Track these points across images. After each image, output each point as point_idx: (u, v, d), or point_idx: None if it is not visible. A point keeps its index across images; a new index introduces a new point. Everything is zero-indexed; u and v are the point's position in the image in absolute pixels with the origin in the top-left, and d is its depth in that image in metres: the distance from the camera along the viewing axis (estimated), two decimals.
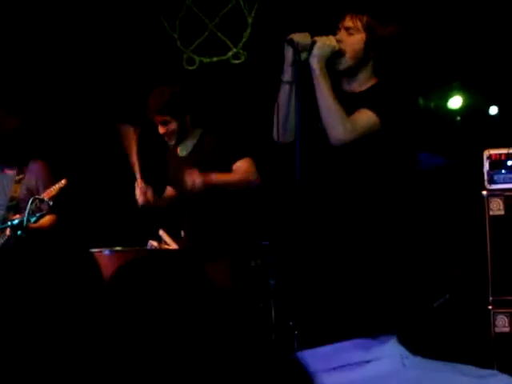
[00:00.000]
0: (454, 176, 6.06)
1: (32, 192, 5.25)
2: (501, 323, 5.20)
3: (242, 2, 6.81)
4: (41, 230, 5.09)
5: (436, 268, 5.44)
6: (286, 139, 3.95)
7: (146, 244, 5.54)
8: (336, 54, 3.87)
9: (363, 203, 3.82)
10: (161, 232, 5.43)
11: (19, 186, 5.37)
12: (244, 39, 6.81)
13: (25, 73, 6.75)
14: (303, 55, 3.85)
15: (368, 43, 3.87)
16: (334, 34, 3.91)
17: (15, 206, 5.30)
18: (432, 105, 6.39)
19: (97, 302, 1.82)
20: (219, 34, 6.88)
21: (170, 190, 5.34)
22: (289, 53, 3.86)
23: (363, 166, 3.85)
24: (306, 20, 5.70)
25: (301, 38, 3.84)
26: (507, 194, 5.28)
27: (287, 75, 3.89)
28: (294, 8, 6.39)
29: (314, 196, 3.91)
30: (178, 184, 5.11)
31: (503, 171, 5.33)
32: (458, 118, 6.40)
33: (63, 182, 5.11)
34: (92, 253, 2.08)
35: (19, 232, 4.90)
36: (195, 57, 6.92)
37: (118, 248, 5.30)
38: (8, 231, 5.01)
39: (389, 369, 1.52)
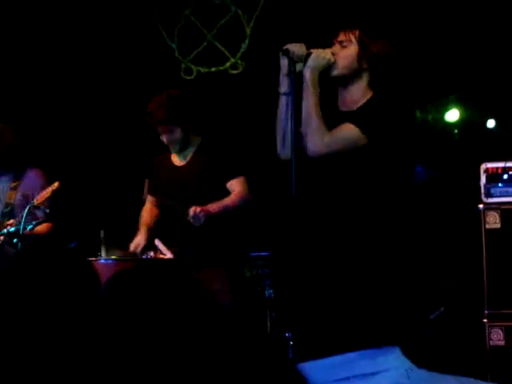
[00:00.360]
0: (451, 189, 6.07)
1: (27, 199, 5.25)
2: (496, 336, 5.20)
3: (240, 13, 6.82)
4: (37, 237, 5.09)
5: (432, 281, 5.44)
6: (287, 154, 3.91)
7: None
8: (331, 67, 3.87)
9: (359, 217, 3.82)
10: (156, 241, 5.42)
11: (15, 193, 5.37)
12: (242, 50, 6.82)
13: (22, 80, 6.75)
14: (298, 66, 3.85)
15: (361, 55, 3.88)
16: (330, 47, 3.92)
17: (10, 213, 5.29)
18: (429, 118, 6.40)
19: (93, 310, 1.82)
20: (217, 44, 6.89)
21: (147, 215, 5.35)
22: (284, 63, 3.86)
23: (357, 180, 3.84)
24: (304, 31, 5.70)
25: (296, 48, 3.84)
26: (504, 207, 5.28)
27: (283, 87, 3.89)
28: (292, 19, 6.40)
29: (310, 208, 3.90)
30: (172, 193, 5.11)
31: (500, 185, 5.33)
32: (456, 131, 6.41)
33: (56, 184, 5.11)
34: (90, 261, 2.08)
35: (15, 239, 4.89)
36: (193, 67, 6.93)
37: (114, 256, 5.29)
38: (2, 238, 5.01)
39: (393, 382, 1.50)
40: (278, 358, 5.07)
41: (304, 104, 3.83)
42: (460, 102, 6.43)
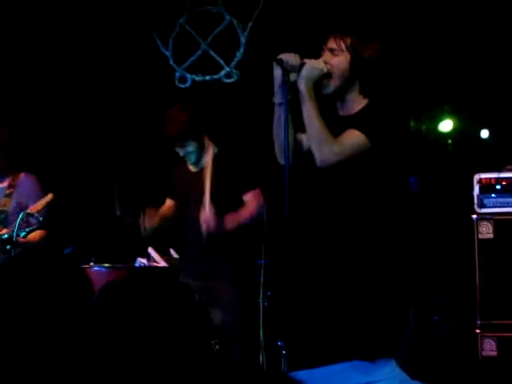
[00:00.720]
0: (444, 199, 6.07)
1: (22, 206, 5.24)
2: (488, 347, 5.20)
3: (235, 21, 6.83)
4: (30, 244, 5.08)
5: (425, 290, 5.44)
6: (289, 161, 3.89)
7: (135, 261, 5.53)
8: (324, 77, 3.86)
9: (355, 224, 3.81)
10: (150, 249, 5.42)
11: (9, 200, 5.36)
12: (237, 58, 6.82)
13: (17, 88, 6.75)
14: (292, 76, 3.84)
15: (353, 63, 3.87)
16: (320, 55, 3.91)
17: (4, 220, 5.29)
18: (423, 128, 6.41)
19: (85, 318, 1.81)
20: (212, 52, 6.89)
21: (165, 209, 5.22)
22: (278, 73, 3.85)
23: (355, 187, 3.84)
24: (299, 40, 5.71)
25: (290, 58, 3.82)
26: (497, 217, 5.29)
27: (278, 97, 3.88)
28: (287, 28, 6.40)
29: (306, 217, 3.89)
30: (186, 198, 5.05)
31: (493, 195, 5.35)
32: (449, 142, 6.42)
33: (50, 196, 5.12)
34: (83, 268, 2.07)
35: (8, 246, 4.89)
36: (187, 75, 6.93)
37: (107, 264, 5.29)
38: None
39: None
40: (271, 366, 5.06)
41: (305, 116, 3.81)
42: (454, 113, 6.44)
